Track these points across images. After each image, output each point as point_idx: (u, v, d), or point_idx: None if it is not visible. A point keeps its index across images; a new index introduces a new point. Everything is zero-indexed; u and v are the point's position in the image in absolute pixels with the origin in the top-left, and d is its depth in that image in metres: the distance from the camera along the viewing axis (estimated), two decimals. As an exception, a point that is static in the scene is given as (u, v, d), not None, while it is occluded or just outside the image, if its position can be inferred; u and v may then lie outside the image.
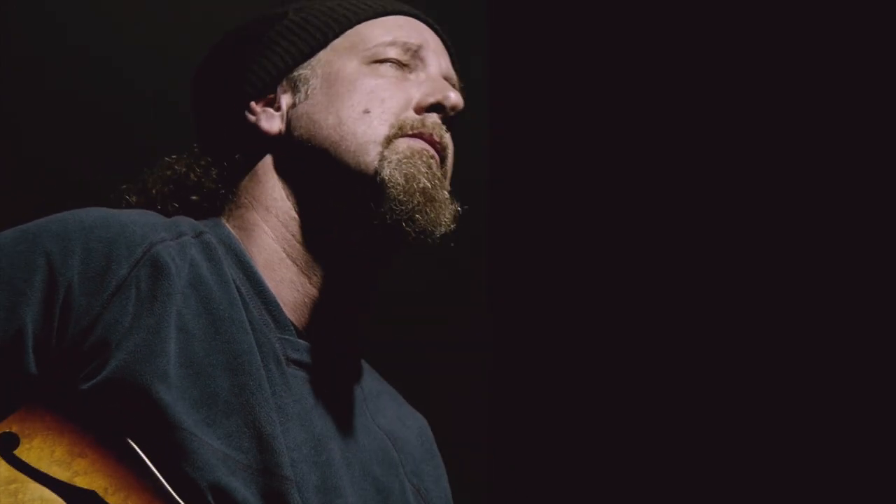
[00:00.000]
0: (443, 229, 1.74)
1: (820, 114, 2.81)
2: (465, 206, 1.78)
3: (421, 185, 1.72)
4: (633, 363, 2.97)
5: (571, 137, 3.09)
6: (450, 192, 1.77)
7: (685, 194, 2.96)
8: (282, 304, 1.75)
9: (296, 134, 1.79)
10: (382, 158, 1.74)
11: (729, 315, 2.87)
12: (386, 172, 1.73)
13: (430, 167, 1.75)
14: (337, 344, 1.80)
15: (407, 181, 1.72)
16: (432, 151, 1.77)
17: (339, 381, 1.81)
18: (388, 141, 1.76)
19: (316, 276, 1.77)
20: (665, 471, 2.90)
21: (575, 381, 3.03)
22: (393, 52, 1.82)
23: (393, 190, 1.72)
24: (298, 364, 1.74)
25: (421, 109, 1.79)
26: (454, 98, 1.80)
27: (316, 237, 1.77)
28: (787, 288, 2.82)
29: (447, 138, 1.81)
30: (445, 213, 1.74)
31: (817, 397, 2.74)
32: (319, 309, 1.77)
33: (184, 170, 1.83)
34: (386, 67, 1.81)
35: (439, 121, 1.79)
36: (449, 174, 1.81)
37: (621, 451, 2.95)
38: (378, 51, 1.82)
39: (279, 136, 1.81)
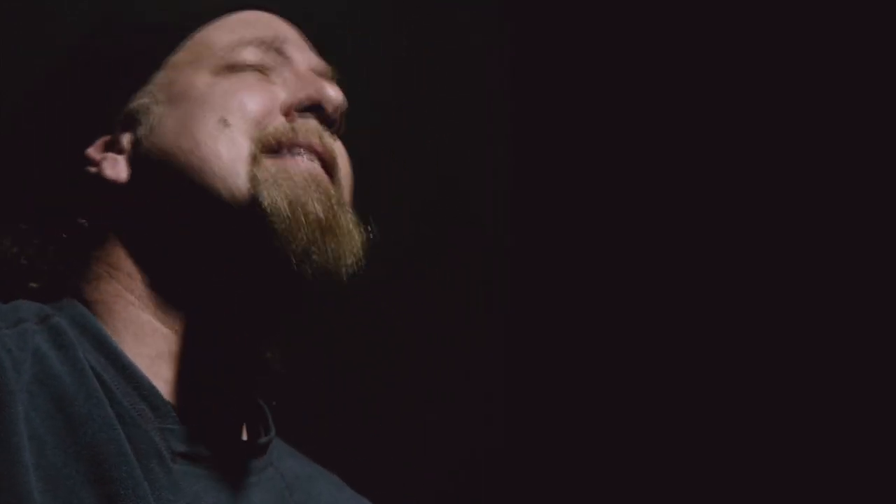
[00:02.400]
0: (349, 266, 1.36)
1: (867, 130, 2.63)
2: (374, 229, 1.37)
3: (312, 215, 1.35)
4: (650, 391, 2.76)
5: (593, 143, 2.86)
6: (354, 217, 1.39)
7: (704, 204, 2.74)
8: (161, 386, 1.37)
9: (148, 174, 1.41)
10: (256, 181, 1.36)
11: (734, 316, 2.68)
12: (265, 198, 1.35)
13: (319, 187, 1.38)
14: (240, 424, 1.43)
15: (293, 209, 1.35)
16: (316, 169, 1.40)
17: (247, 470, 1.42)
18: (254, 159, 1.38)
19: (202, 343, 1.40)
20: (672, 485, 2.71)
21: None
22: (249, 55, 1.44)
23: (276, 221, 1.34)
24: (188, 458, 1.36)
25: (291, 112, 1.42)
26: (332, 93, 1.42)
27: (193, 295, 1.40)
28: (819, 299, 2.62)
29: (333, 144, 1.43)
30: (351, 244, 1.37)
31: (837, 411, 2.58)
32: (211, 385, 1.40)
33: (12, 249, 1.44)
34: (245, 73, 1.43)
35: (317, 124, 1.42)
36: (347, 192, 1.44)
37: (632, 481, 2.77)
38: (229, 56, 1.44)
39: (129, 183, 1.42)
